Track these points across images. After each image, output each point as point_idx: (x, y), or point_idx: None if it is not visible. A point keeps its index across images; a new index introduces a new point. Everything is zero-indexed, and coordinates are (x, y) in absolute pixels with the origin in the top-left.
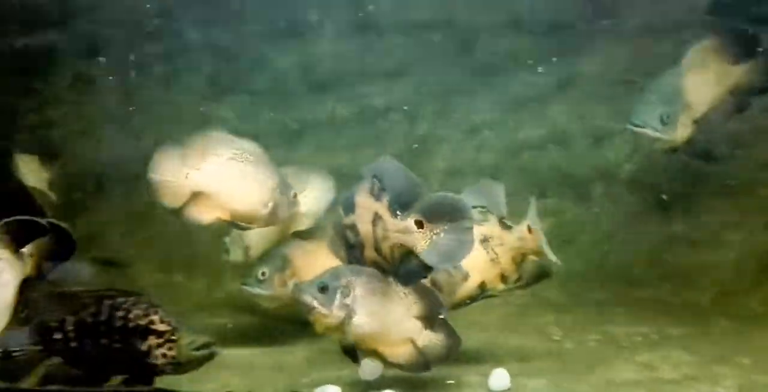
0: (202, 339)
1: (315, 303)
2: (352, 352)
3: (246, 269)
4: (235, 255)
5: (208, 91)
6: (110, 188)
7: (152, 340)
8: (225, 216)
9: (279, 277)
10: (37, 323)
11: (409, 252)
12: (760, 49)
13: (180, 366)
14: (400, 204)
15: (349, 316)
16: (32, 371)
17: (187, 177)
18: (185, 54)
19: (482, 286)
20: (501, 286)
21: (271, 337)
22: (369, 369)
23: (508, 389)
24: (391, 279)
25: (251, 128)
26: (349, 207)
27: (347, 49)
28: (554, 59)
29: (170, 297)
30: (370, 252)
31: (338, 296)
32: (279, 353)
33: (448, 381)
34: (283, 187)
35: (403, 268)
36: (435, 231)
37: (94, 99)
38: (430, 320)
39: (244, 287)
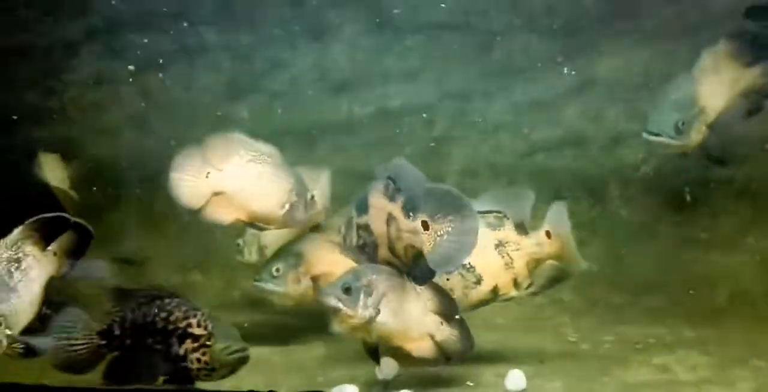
0: (237, 345)
1: (341, 305)
2: (375, 352)
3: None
4: (250, 256)
5: (226, 92)
6: (129, 188)
7: (188, 344)
8: (243, 217)
9: (293, 274)
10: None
11: (420, 253)
12: None
13: (213, 372)
14: (413, 206)
15: (373, 315)
16: (95, 365)
17: (207, 177)
18: (204, 55)
19: (495, 291)
20: (513, 292)
21: (287, 336)
22: (385, 368)
23: (524, 390)
24: (405, 277)
25: (268, 129)
26: (363, 208)
27: (364, 51)
28: (571, 61)
29: (187, 297)
30: (384, 252)
31: (362, 296)
32: (295, 351)
33: (468, 383)
34: (301, 188)
35: (415, 268)
36: (439, 233)
37: (113, 99)
38: (446, 315)
39: (258, 284)
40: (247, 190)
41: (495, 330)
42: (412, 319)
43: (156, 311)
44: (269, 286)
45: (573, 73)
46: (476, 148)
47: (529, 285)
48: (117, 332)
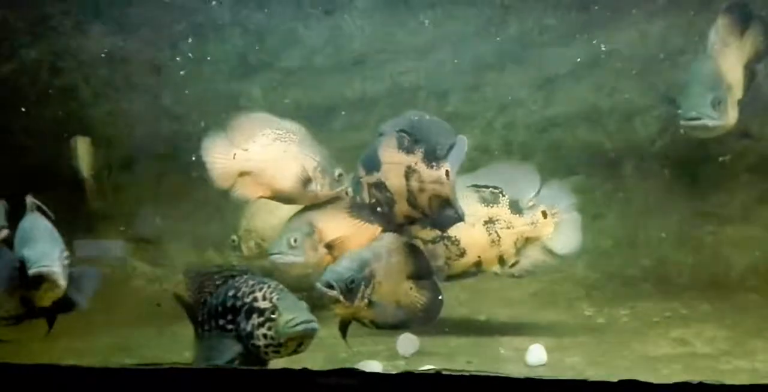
0: (302, 316)
1: (342, 298)
2: (347, 327)
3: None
4: (250, 252)
5: (238, 69)
6: (143, 167)
7: (254, 319)
8: (268, 194)
9: (310, 242)
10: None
11: (446, 201)
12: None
13: (280, 347)
14: (435, 155)
15: (366, 304)
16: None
17: (234, 157)
18: (216, 32)
19: (478, 265)
20: (497, 268)
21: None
22: (406, 344)
23: (545, 364)
24: (398, 249)
25: (280, 106)
26: (373, 166)
27: (378, 26)
28: (585, 35)
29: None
30: (403, 207)
31: (362, 288)
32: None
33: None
34: (326, 165)
35: (440, 215)
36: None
37: (125, 77)
38: (418, 278)
39: (276, 257)
40: (272, 168)
41: (510, 305)
42: (391, 293)
43: (227, 291)
44: (289, 258)
45: (587, 46)
46: (490, 123)
47: (515, 264)
48: (200, 318)
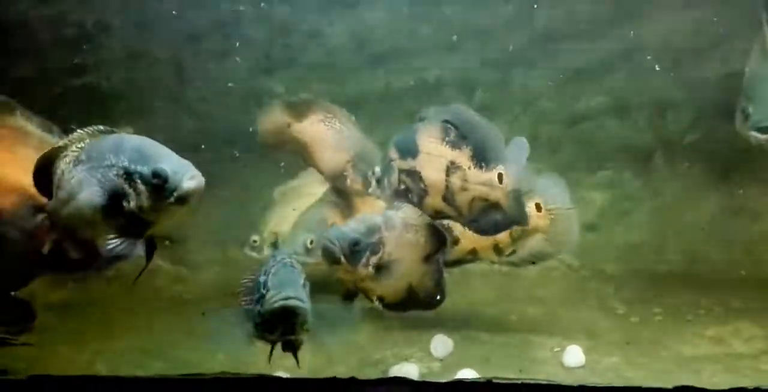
0: (285, 291)
1: (343, 260)
2: (351, 297)
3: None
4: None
5: (261, 65)
6: None
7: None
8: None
9: None
10: None
11: (491, 206)
12: None
13: (268, 326)
14: (485, 155)
15: (371, 274)
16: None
17: (289, 126)
18: (239, 27)
19: (473, 253)
20: (493, 257)
21: (337, 315)
22: (440, 346)
23: (583, 366)
24: (418, 228)
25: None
26: (410, 151)
27: (402, 21)
28: (615, 27)
29: (226, 273)
30: (436, 201)
31: (367, 254)
32: (347, 331)
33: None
34: (361, 163)
35: (484, 220)
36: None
37: (146, 73)
38: (430, 259)
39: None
40: (312, 147)
41: (540, 304)
42: (406, 273)
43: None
44: (308, 260)
45: (617, 39)
46: (517, 117)
47: (511, 253)
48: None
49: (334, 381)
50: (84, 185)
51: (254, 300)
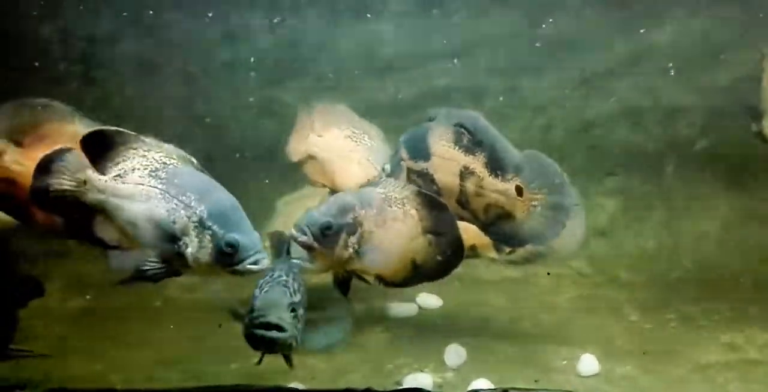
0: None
1: (315, 245)
2: (345, 284)
3: None
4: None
5: (270, 75)
6: None
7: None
8: (329, 184)
9: None
10: None
11: (506, 215)
12: None
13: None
14: (500, 164)
15: (354, 254)
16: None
17: (308, 138)
18: (249, 39)
19: (473, 249)
20: (493, 254)
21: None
22: (454, 356)
23: (597, 374)
24: (405, 200)
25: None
26: (422, 154)
27: (411, 30)
28: (624, 32)
29: (236, 282)
30: (450, 203)
31: (342, 236)
32: (358, 339)
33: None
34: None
35: (499, 229)
36: (533, 203)
37: (156, 85)
38: (436, 233)
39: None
40: (336, 163)
41: (552, 311)
42: (399, 250)
43: None
44: (307, 266)
45: (626, 44)
46: (527, 124)
47: (511, 252)
48: None
49: None
50: (151, 201)
51: (247, 312)
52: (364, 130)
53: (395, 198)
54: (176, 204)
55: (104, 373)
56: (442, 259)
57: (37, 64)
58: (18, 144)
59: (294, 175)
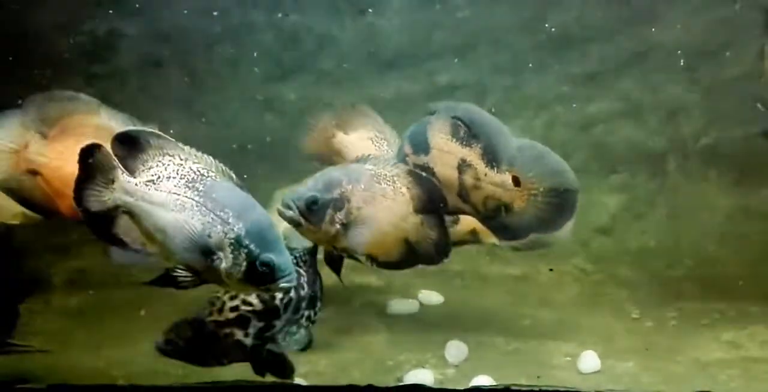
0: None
1: (302, 221)
2: (337, 262)
3: None
4: None
5: (273, 72)
6: None
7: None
8: None
9: None
10: None
11: (505, 207)
12: None
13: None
14: (496, 156)
15: (342, 230)
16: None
17: (334, 136)
18: (250, 34)
19: (474, 234)
20: (493, 240)
21: (351, 321)
22: (455, 352)
23: (599, 372)
24: (395, 177)
25: (315, 109)
26: (422, 147)
27: (413, 26)
28: (627, 30)
29: None
30: (452, 198)
31: (329, 211)
32: (360, 336)
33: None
34: None
35: (499, 222)
36: (532, 192)
37: (159, 81)
38: (429, 211)
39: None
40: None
41: (553, 308)
42: (390, 228)
43: None
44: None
45: (629, 42)
46: (530, 122)
47: None
48: None
49: (351, 388)
50: (186, 212)
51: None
52: (385, 135)
53: (385, 175)
54: (213, 219)
55: (106, 369)
56: (435, 240)
57: (39, 58)
58: (43, 136)
59: (296, 167)
